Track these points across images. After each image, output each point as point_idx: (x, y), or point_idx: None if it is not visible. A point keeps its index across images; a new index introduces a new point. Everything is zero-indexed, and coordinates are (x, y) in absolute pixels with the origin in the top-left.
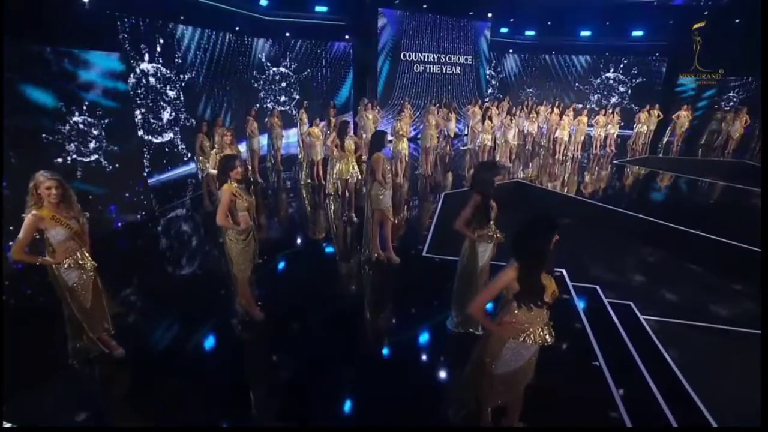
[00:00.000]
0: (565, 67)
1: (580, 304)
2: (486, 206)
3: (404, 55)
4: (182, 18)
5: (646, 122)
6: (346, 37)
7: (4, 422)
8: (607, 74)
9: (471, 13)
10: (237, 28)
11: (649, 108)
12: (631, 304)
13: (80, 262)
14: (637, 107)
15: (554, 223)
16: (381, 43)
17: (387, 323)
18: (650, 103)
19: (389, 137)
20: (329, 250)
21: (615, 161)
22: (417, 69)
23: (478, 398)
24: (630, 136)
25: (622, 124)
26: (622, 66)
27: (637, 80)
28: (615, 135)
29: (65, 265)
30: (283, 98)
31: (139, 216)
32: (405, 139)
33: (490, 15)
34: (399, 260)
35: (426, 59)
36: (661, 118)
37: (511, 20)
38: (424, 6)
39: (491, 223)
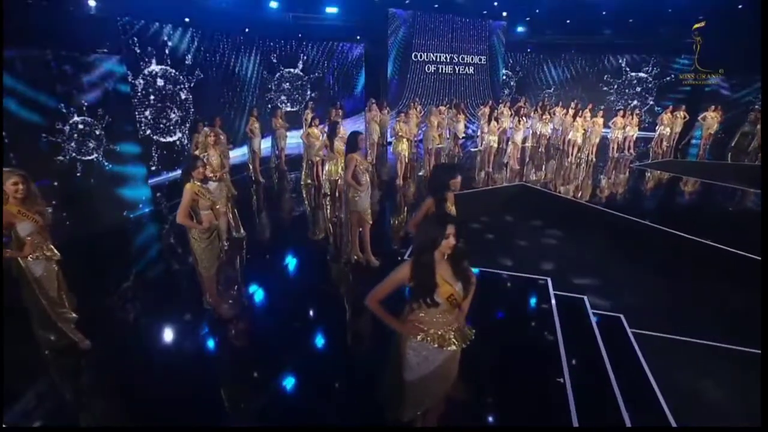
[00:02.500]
0: (586, 67)
1: (558, 316)
2: (439, 209)
3: (415, 56)
4: (191, 20)
5: (669, 124)
6: (357, 37)
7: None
8: (631, 74)
9: (485, 12)
10: (246, 30)
11: (672, 109)
12: (622, 317)
13: (47, 253)
14: (660, 108)
15: (444, 219)
16: (392, 43)
17: (355, 324)
18: (675, 103)
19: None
20: (312, 250)
21: (632, 165)
22: (429, 69)
23: (398, 402)
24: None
25: (646, 125)
26: (647, 65)
27: (663, 80)
28: (634, 137)
29: (32, 257)
30: (293, 99)
31: (142, 213)
32: (404, 139)
33: (504, 14)
34: (378, 263)
35: (438, 59)
36: (686, 119)
37: (527, 18)
38: (436, 6)
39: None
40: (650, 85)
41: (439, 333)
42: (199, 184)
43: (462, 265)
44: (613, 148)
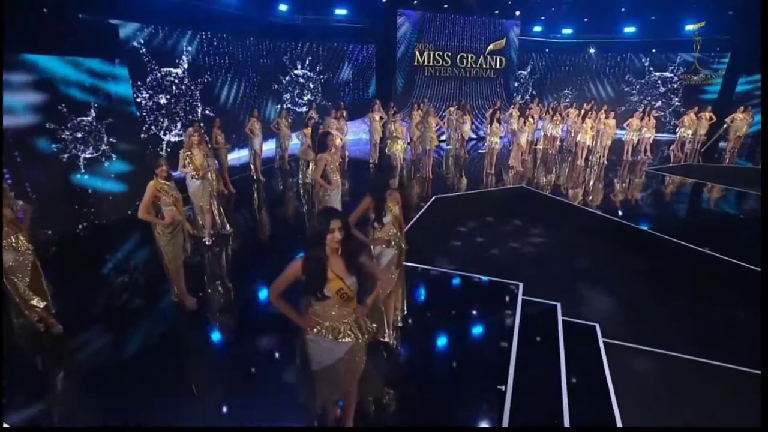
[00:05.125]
0: (606, 67)
1: (520, 321)
2: (378, 209)
3: (425, 56)
4: (202, 24)
5: (690, 126)
6: (368, 39)
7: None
8: (656, 74)
9: (497, 11)
10: (256, 33)
11: (697, 110)
12: (597, 326)
13: (14, 245)
14: (684, 109)
15: (329, 214)
16: (401, 44)
17: None
18: (701, 105)
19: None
20: (300, 248)
21: (646, 168)
22: (438, 70)
23: (309, 391)
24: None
25: (671, 127)
26: (674, 64)
27: (690, 80)
28: (650, 139)
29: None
30: (301, 101)
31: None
32: (399, 140)
33: (518, 13)
34: None
35: (448, 60)
36: (713, 121)
37: (542, 18)
38: (445, 6)
39: (390, 228)
40: (675, 85)
41: (333, 325)
42: (162, 181)
43: (356, 260)
44: (627, 150)
